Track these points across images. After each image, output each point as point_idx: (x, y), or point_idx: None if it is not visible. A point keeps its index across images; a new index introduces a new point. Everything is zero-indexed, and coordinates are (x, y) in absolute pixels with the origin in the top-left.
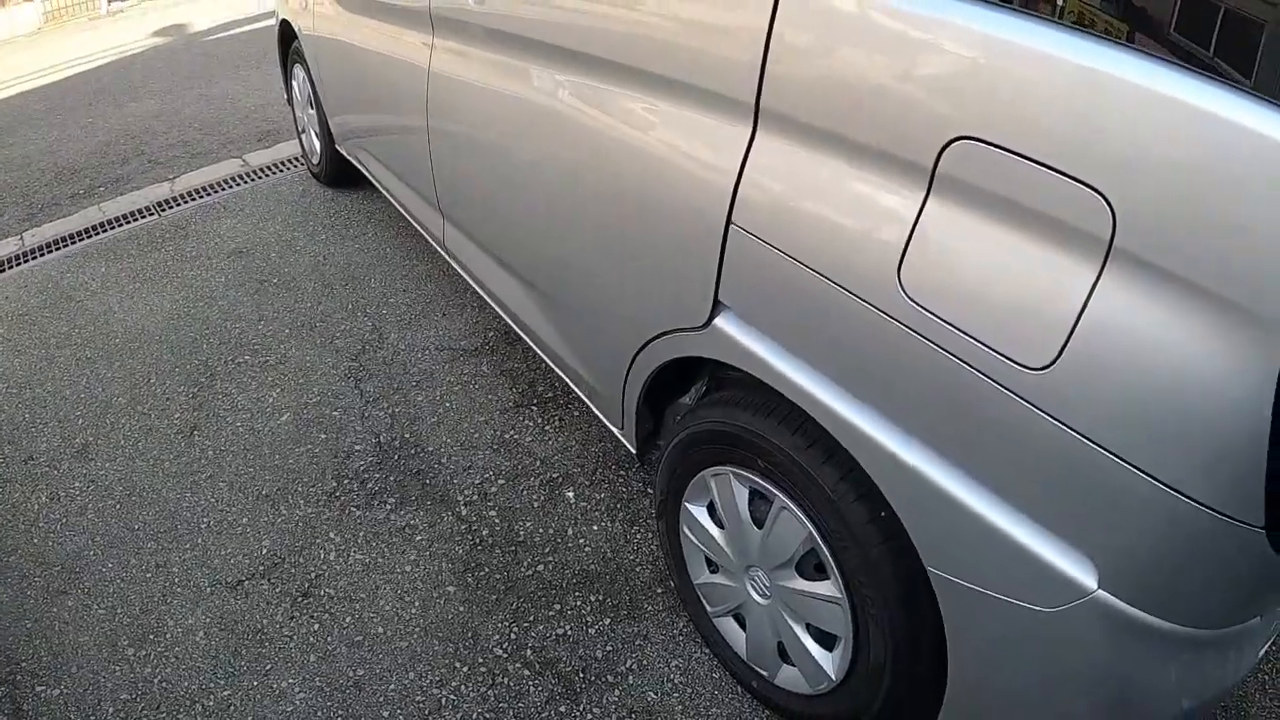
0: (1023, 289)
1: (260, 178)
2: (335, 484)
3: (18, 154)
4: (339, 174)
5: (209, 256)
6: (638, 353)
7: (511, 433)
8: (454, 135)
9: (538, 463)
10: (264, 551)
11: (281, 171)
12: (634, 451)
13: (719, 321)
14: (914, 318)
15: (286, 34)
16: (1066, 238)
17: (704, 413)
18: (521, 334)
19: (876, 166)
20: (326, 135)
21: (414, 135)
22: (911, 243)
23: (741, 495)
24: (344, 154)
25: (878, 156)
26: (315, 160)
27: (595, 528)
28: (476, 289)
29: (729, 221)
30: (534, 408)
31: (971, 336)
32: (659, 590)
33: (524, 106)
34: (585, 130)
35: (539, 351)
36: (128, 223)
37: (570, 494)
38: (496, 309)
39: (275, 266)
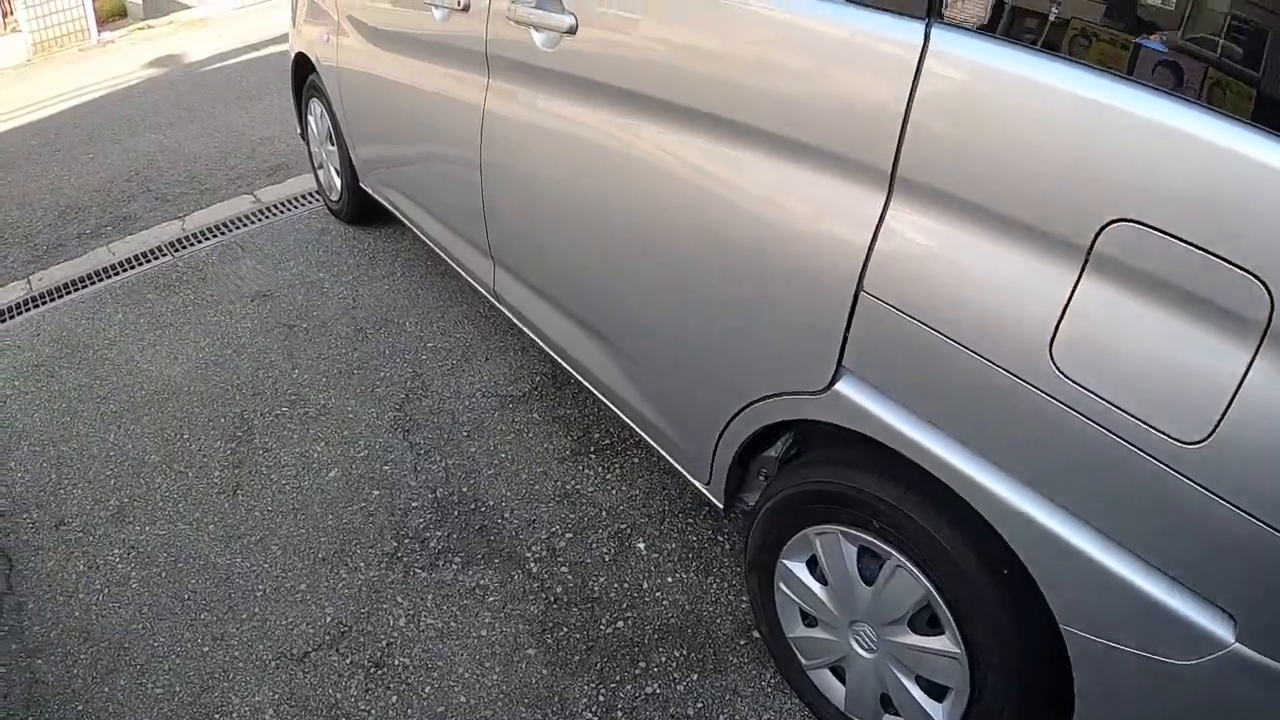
0: (1178, 367)
1: (275, 215)
2: (396, 544)
3: (17, 191)
4: (361, 211)
5: (231, 300)
6: (738, 413)
7: (573, 483)
8: (514, 181)
9: (603, 514)
10: (328, 620)
11: (296, 208)
12: (720, 507)
13: (841, 386)
14: (1066, 392)
15: (302, 67)
16: (1223, 319)
17: (808, 472)
18: (588, 385)
19: (1026, 241)
20: (348, 172)
21: (462, 178)
22: (1065, 319)
23: (850, 553)
24: (369, 191)
25: (1028, 232)
26: (335, 197)
27: (670, 579)
28: (533, 336)
29: (859, 288)
30: (592, 455)
31: (1125, 411)
32: (742, 642)
33: (611, 158)
34: (690, 186)
35: (608, 402)
36: (140, 264)
37: (641, 545)
38: (556, 357)
39: (303, 310)
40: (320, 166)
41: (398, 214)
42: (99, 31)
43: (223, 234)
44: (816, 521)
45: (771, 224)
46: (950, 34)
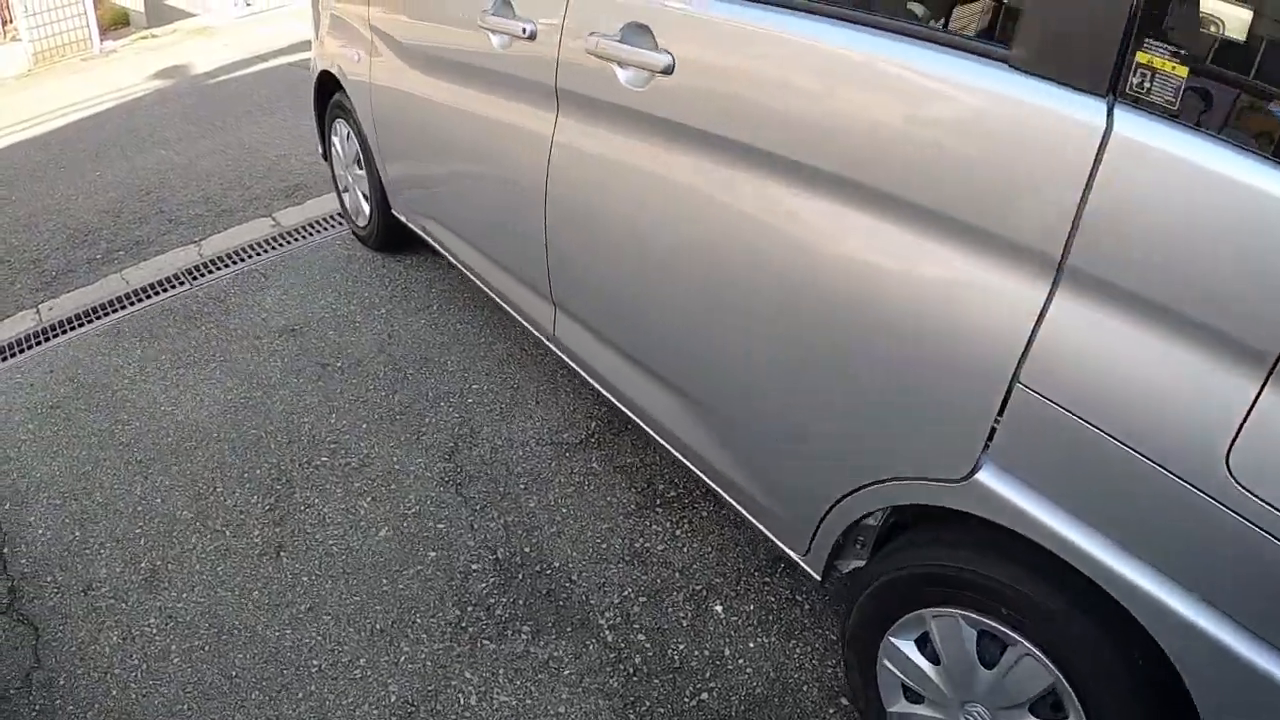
0: None
1: (296, 240)
2: (459, 612)
3: (22, 212)
4: (390, 238)
5: (257, 335)
6: (854, 491)
7: (641, 540)
8: (587, 224)
9: (676, 574)
10: (393, 699)
11: (319, 233)
12: (818, 579)
13: (983, 476)
14: (1241, 502)
15: (326, 85)
16: None
17: (924, 553)
18: (660, 438)
19: (1206, 343)
20: (379, 198)
21: (520, 216)
22: (1245, 428)
23: (970, 636)
24: (402, 219)
25: (1209, 334)
26: (362, 223)
27: (752, 644)
28: (595, 385)
29: (1014, 379)
30: (659, 510)
31: None
32: (832, 710)
33: (715, 211)
34: (816, 251)
35: (685, 460)
36: (156, 294)
37: (719, 608)
38: (623, 408)
39: (336, 347)
40: (345, 190)
41: (435, 244)
42: (101, 40)
43: (242, 260)
44: (934, 604)
45: (915, 301)
46: (1137, 117)
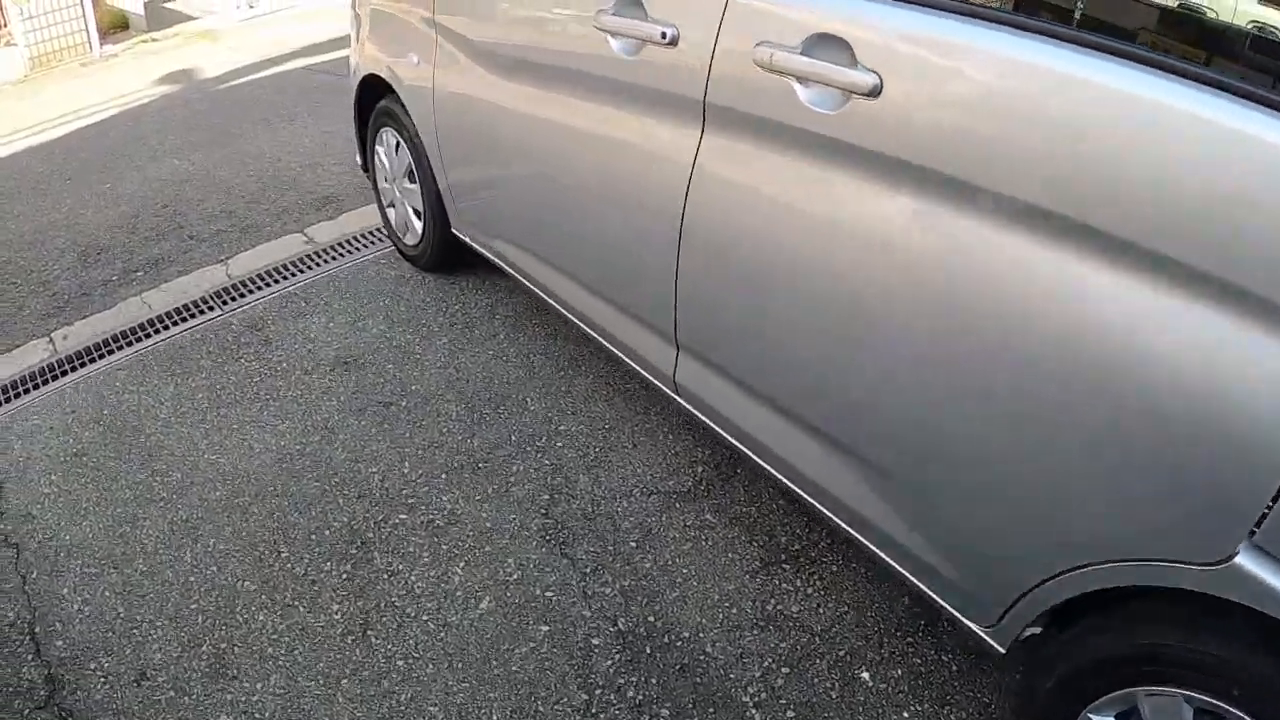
0: None
1: (334, 258)
2: (586, 696)
3: (28, 228)
4: (445, 259)
5: (306, 370)
6: (1070, 570)
7: (773, 601)
8: (738, 260)
9: (816, 639)
10: None
11: (358, 249)
12: (1001, 652)
13: (1243, 559)
14: None
15: (370, 90)
16: None
17: (1137, 630)
18: (803, 493)
19: None
20: (437, 215)
21: (642, 247)
22: None
23: (1188, 714)
24: (465, 240)
25: None
26: (411, 241)
27: (906, 714)
28: (721, 433)
29: None
30: (785, 566)
31: None
32: None
33: (922, 257)
34: (1067, 318)
35: (835, 517)
36: (183, 320)
37: (866, 675)
38: (763, 463)
39: (397, 383)
40: (391, 205)
41: (506, 268)
42: (101, 44)
43: (277, 282)
44: (1149, 682)
45: (1173, 371)
46: None
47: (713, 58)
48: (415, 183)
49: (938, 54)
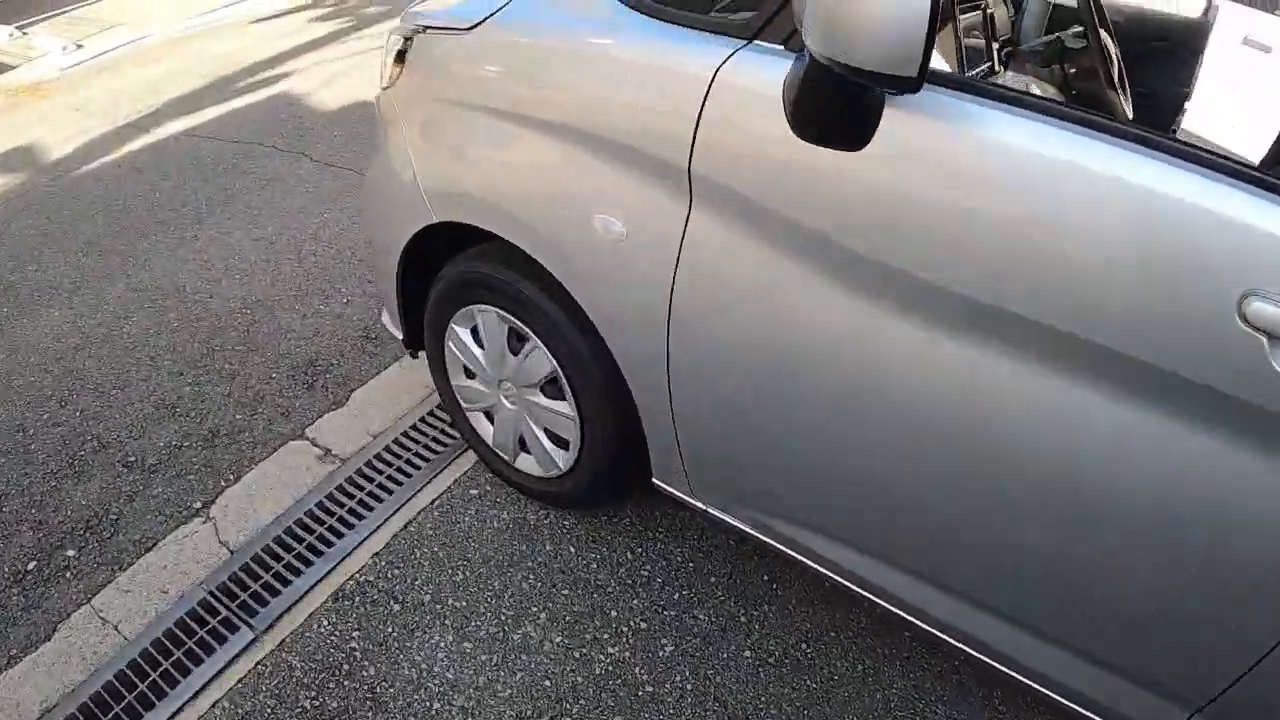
0: None
1: (378, 484)
2: None
3: None
4: (600, 495)
5: None
6: None
7: None
8: None
9: None
10: None
11: (409, 466)
12: None
13: None
14: None
15: (427, 243)
16: None
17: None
18: None
19: None
20: (616, 452)
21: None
22: None
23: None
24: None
25: None
26: (543, 471)
27: None
28: None
29: None
30: None
31: None
32: None
33: None
34: None
35: None
36: (179, 663)
37: None
38: None
39: None
40: (486, 412)
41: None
42: None
43: (319, 551)
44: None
45: None
46: None
47: None
48: (556, 399)
49: None
